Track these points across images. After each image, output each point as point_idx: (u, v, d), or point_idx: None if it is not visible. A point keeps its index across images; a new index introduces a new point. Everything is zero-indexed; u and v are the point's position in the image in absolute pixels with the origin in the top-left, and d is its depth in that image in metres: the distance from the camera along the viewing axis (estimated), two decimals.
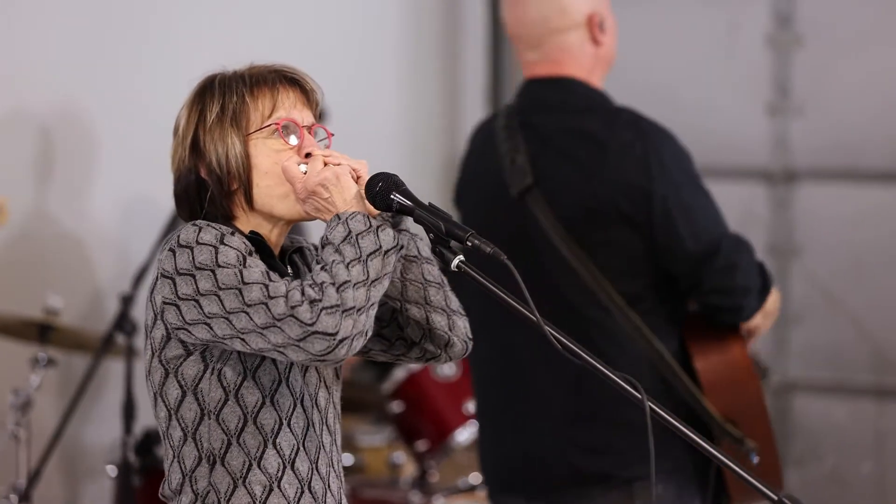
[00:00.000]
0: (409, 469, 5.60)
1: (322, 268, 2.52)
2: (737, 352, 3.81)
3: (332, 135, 2.74)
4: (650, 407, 2.60)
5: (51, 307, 4.70)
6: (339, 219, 2.57)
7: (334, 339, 2.47)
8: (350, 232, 2.55)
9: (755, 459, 3.68)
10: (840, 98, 6.47)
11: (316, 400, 2.70)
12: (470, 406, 5.39)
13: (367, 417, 5.79)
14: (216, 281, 2.51)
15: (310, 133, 2.70)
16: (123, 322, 4.77)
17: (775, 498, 2.57)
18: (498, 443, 3.94)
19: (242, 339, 2.51)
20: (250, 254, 2.56)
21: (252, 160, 2.66)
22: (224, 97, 2.67)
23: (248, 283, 2.50)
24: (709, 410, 3.71)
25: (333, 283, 2.49)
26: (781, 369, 6.48)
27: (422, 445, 5.42)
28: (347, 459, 5.60)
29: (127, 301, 4.80)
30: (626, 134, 3.72)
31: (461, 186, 4.07)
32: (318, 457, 2.68)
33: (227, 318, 2.51)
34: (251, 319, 2.49)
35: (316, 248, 2.77)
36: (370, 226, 2.57)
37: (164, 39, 5.57)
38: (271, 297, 2.48)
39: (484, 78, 7.17)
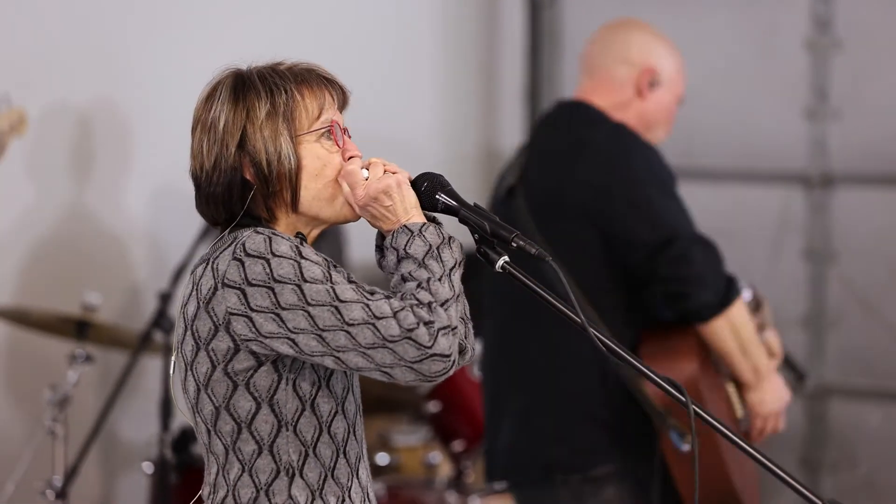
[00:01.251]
0: (444, 469, 5.58)
1: (419, 286, 2.48)
2: (685, 366, 3.90)
3: (350, 136, 2.68)
4: (694, 410, 2.58)
5: (89, 303, 4.71)
6: (412, 231, 2.53)
7: (449, 360, 2.45)
8: (431, 246, 2.52)
9: (684, 448, 3.79)
10: (878, 102, 6.42)
11: (357, 406, 2.66)
12: None
13: (404, 417, 5.76)
14: (303, 296, 2.44)
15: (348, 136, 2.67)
16: (161, 319, 4.77)
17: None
18: (492, 436, 4.16)
19: (336, 357, 2.46)
20: (329, 267, 2.51)
21: (302, 161, 2.59)
22: (272, 94, 2.58)
23: (346, 302, 2.45)
24: (651, 401, 3.84)
25: (438, 302, 2.47)
26: (817, 374, 6.44)
27: (458, 446, 5.40)
28: (383, 459, 5.59)
29: (165, 298, 4.80)
30: (601, 135, 3.95)
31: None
32: (363, 463, 2.67)
33: (318, 336, 2.44)
34: (353, 338, 2.43)
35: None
36: (444, 238, 2.55)
37: (202, 35, 5.57)
38: (378, 318, 2.43)
39: (522, 78, 7.15)
